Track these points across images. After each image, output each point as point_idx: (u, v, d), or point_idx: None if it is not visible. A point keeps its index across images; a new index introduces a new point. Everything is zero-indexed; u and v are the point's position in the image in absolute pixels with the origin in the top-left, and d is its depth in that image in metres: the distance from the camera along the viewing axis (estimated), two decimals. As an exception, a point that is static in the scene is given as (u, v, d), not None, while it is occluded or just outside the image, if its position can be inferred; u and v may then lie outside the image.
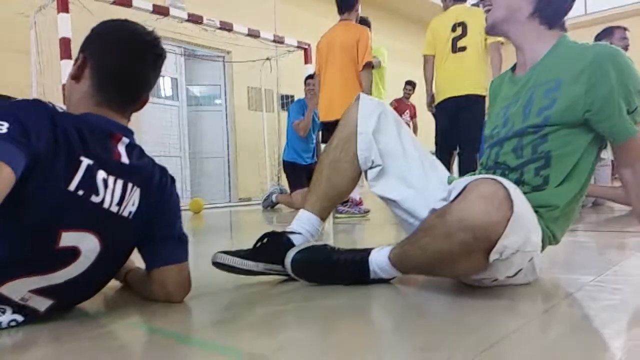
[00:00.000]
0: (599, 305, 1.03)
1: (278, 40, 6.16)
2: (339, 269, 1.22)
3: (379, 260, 1.19)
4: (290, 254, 1.26)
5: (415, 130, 7.28)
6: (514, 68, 1.38)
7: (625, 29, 3.67)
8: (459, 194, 1.01)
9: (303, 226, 1.39)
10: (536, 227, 1.07)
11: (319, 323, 0.98)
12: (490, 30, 1.36)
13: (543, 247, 1.24)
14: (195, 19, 5.37)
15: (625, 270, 1.36)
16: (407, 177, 1.37)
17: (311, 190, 1.45)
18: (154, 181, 1.12)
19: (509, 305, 1.05)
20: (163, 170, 1.18)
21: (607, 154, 3.78)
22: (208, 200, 7.05)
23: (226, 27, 5.62)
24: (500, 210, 0.95)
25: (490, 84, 1.51)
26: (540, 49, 1.28)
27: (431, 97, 3.88)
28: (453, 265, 1.04)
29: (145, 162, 1.13)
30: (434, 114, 3.93)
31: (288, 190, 5.15)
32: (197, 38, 6.27)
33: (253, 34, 5.87)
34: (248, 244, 1.37)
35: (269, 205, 5.35)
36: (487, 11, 1.34)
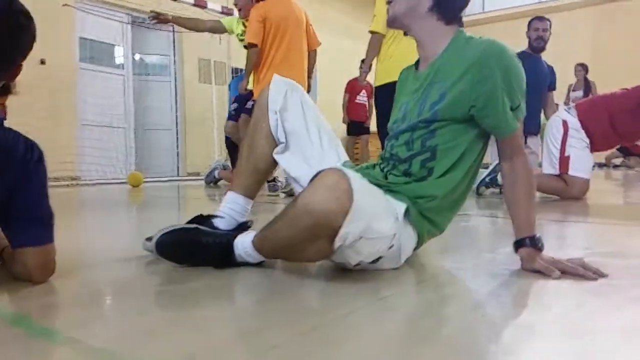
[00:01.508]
0: (440, 293, 1.09)
1: (226, 12, 6.03)
2: (204, 252, 1.24)
3: (244, 244, 1.21)
4: (157, 235, 1.26)
5: (371, 111, 7.30)
6: (417, 63, 1.40)
7: (542, 19, 3.77)
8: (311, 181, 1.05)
9: (229, 207, 1.41)
10: (382, 216, 1.10)
11: (172, 308, 1.00)
12: (391, 24, 1.37)
13: (423, 237, 1.30)
14: (138, -14, 5.19)
15: (493, 257, 1.43)
16: (307, 157, 1.40)
17: (236, 169, 1.47)
18: (14, 157, 1.09)
19: (366, 288, 1.09)
20: (30, 145, 1.14)
21: (533, 141, 3.92)
22: (155, 174, 6.94)
23: (172, -5, 5.47)
24: (340, 200, 1.00)
25: (399, 75, 1.52)
26: (439, 44, 1.30)
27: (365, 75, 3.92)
28: (302, 249, 1.09)
29: (6, 137, 1.10)
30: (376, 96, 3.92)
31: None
32: (144, 6, 6.07)
33: (200, 5, 5.73)
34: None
35: (211, 181, 5.31)
36: (389, 3, 1.34)
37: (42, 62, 5.86)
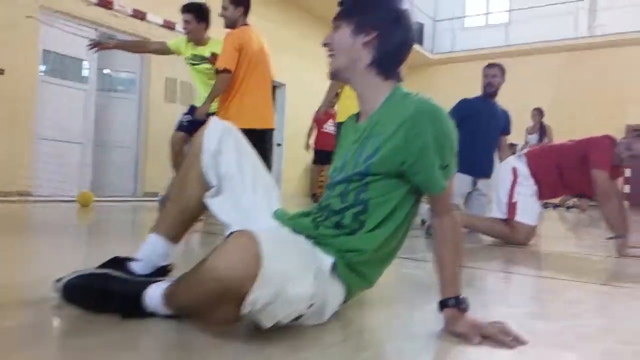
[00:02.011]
0: (357, 356, 1.06)
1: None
2: (112, 301, 1.18)
3: (153, 296, 1.16)
4: (65, 278, 1.21)
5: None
6: (358, 115, 1.40)
7: (491, 66, 3.90)
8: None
9: (148, 250, 1.36)
10: (298, 278, 1.06)
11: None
12: (333, 77, 1.38)
13: (351, 291, 1.29)
14: (104, 4, 5.13)
15: (421, 314, 1.41)
16: (238, 203, 1.37)
17: (163, 210, 1.42)
18: None
19: (283, 349, 1.04)
20: None
21: (484, 184, 3.99)
22: (111, 192, 6.76)
23: (139, 15, 5.41)
24: (248, 265, 0.96)
25: (343, 123, 1.51)
26: (377, 99, 1.31)
27: (327, 107, 3.96)
28: (209, 312, 1.04)
29: None
30: (338, 131, 3.96)
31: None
32: (114, 22, 6.02)
33: (168, 26, 5.70)
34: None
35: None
36: (330, 56, 1.35)
37: (1, 71, 5.70)
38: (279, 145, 9.86)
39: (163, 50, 4.19)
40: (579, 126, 9.88)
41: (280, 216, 1.37)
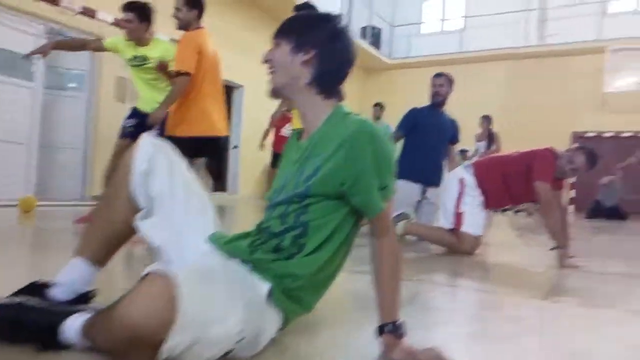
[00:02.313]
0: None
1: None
2: (26, 332, 1.11)
3: (71, 329, 1.09)
4: None
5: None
6: (300, 133, 1.37)
7: (439, 75, 3.97)
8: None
9: (68, 275, 1.28)
10: (222, 319, 1.01)
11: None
12: (273, 95, 1.35)
13: (288, 317, 1.26)
14: (50, 0, 4.90)
15: (358, 338, 1.40)
16: (170, 225, 1.31)
17: (86, 230, 1.34)
18: None
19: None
20: None
21: (433, 192, 4.05)
22: (58, 195, 6.49)
23: (88, 13, 5.21)
24: (163, 313, 0.91)
25: (286, 141, 1.49)
26: (318, 117, 1.29)
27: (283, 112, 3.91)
28: (124, 355, 0.98)
29: None
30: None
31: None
32: (63, 18, 5.78)
33: (119, 24, 5.50)
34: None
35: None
36: (271, 73, 1.32)
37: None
38: (235, 147, 9.73)
39: (101, 48, 3.93)
40: (528, 133, 10.22)
41: (216, 240, 1.33)
